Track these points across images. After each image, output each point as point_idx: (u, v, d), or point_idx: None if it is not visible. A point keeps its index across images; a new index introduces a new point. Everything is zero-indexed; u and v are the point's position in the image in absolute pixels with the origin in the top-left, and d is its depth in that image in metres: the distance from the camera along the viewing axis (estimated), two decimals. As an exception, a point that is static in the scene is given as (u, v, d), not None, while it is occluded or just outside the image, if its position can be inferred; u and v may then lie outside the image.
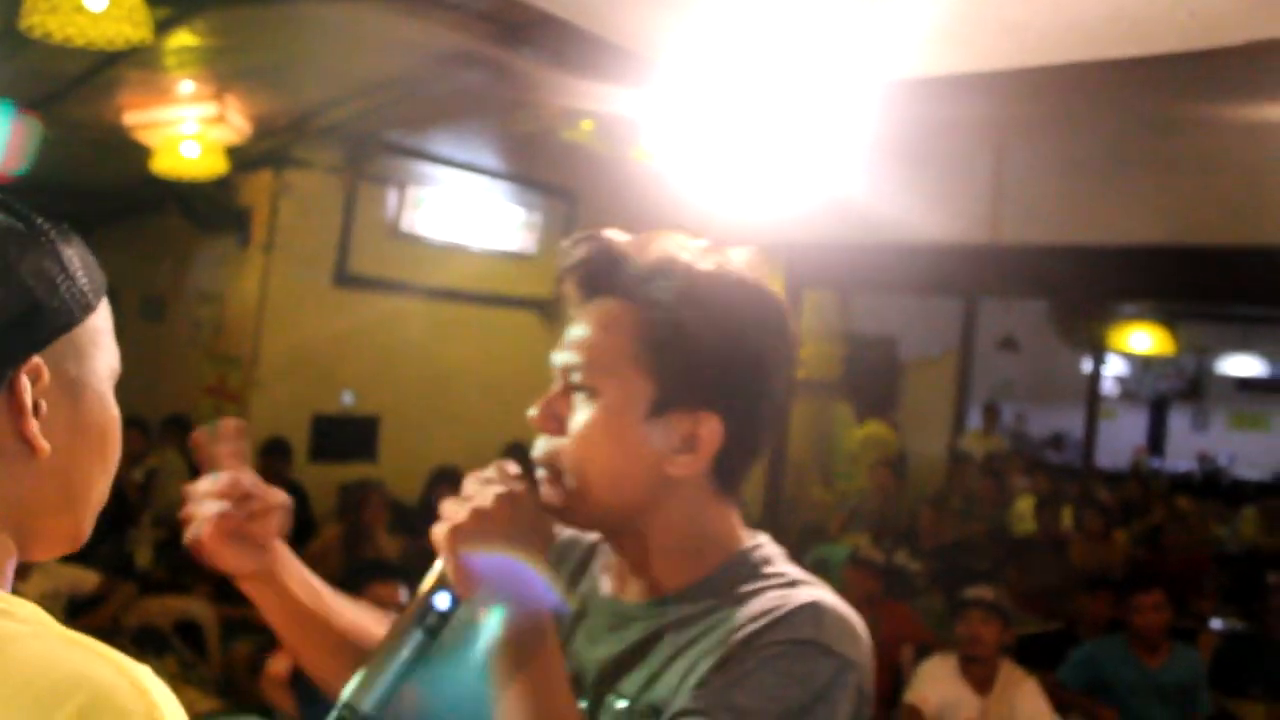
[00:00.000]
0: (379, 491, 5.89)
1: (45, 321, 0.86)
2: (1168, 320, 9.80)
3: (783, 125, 4.58)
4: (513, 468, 1.18)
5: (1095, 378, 10.75)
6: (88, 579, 4.96)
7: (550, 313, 7.79)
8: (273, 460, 6.26)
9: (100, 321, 0.93)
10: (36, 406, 0.85)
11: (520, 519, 1.13)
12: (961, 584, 4.31)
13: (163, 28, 4.34)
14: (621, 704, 1.16)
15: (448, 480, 6.01)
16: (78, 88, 5.12)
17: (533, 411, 1.20)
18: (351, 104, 5.84)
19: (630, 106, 4.61)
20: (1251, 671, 4.91)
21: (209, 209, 6.61)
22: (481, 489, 1.14)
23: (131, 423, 5.82)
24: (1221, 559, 7.20)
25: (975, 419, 10.96)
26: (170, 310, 7.08)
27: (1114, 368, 13.57)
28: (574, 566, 1.33)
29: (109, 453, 0.94)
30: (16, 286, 0.84)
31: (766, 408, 1.18)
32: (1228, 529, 8.50)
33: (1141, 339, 9.34)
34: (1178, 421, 15.47)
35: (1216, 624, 5.85)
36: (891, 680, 4.58)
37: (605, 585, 1.26)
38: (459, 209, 7.12)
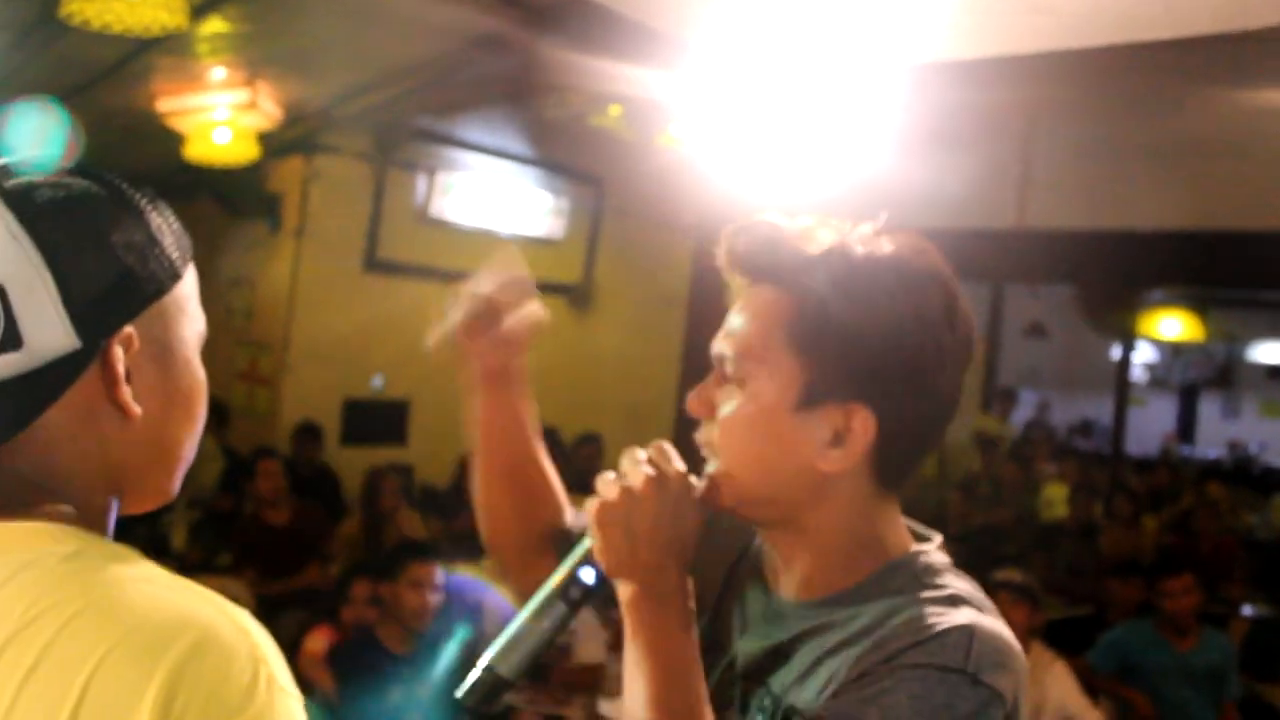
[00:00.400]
0: (394, 476, 5.95)
1: (136, 290, 0.89)
2: (1197, 306, 9.75)
3: (809, 109, 4.59)
4: (669, 449, 1.16)
5: (1124, 364, 10.69)
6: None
7: (577, 298, 7.82)
8: (304, 445, 6.32)
9: (187, 288, 0.95)
10: (128, 373, 0.88)
11: (667, 501, 1.12)
12: (990, 568, 4.32)
13: (197, 14, 4.39)
14: (768, 700, 1.13)
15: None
16: (112, 75, 5.17)
17: (690, 398, 1.17)
18: (381, 90, 5.88)
19: (659, 91, 4.62)
20: (1281, 657, 4.91)
21: (240, 195, 6.67)
22: (633, 468, 1.14)
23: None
24: (1252, 546, 7.17)
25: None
26: (201, 296, 7.14)
27: (1143, 355, 13.49)
28: (738, 554, 1.29)
29: (196, 414, 0.97)
30: (109, 257, 0.87)
31: (929, 401, 1.12)
32: (1258, 517, 8.46)
33: (1171, 325, 9.29)
34: (1208, 409, 15.37)
35: (1247, 610, 5.83)
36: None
37: (767, 577, 1.23)
38: (487, 194, 7.15)
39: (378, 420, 6.81)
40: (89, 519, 0.89)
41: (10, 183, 0.89)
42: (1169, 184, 6.36)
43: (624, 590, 1.13)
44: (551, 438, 6.36)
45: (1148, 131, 5.94)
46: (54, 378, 0.85)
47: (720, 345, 1.14)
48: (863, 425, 1.08)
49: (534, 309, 1.44)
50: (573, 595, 1.16)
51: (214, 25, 4.81)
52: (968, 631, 1.03)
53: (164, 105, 5.58)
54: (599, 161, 7.13)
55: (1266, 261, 6.52)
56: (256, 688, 0.77)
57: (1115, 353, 10.90)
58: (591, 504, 1.14)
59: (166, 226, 0.94)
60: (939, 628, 1.03)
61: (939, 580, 1.11)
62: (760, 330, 1.11)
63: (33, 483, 0.87)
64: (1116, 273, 7.12)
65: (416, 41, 5.26)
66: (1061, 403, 13.89)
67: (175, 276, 0.93)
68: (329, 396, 6.69)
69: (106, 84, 5.24)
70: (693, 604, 1.15)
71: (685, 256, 7.37)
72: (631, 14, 4.00)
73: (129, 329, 0.88)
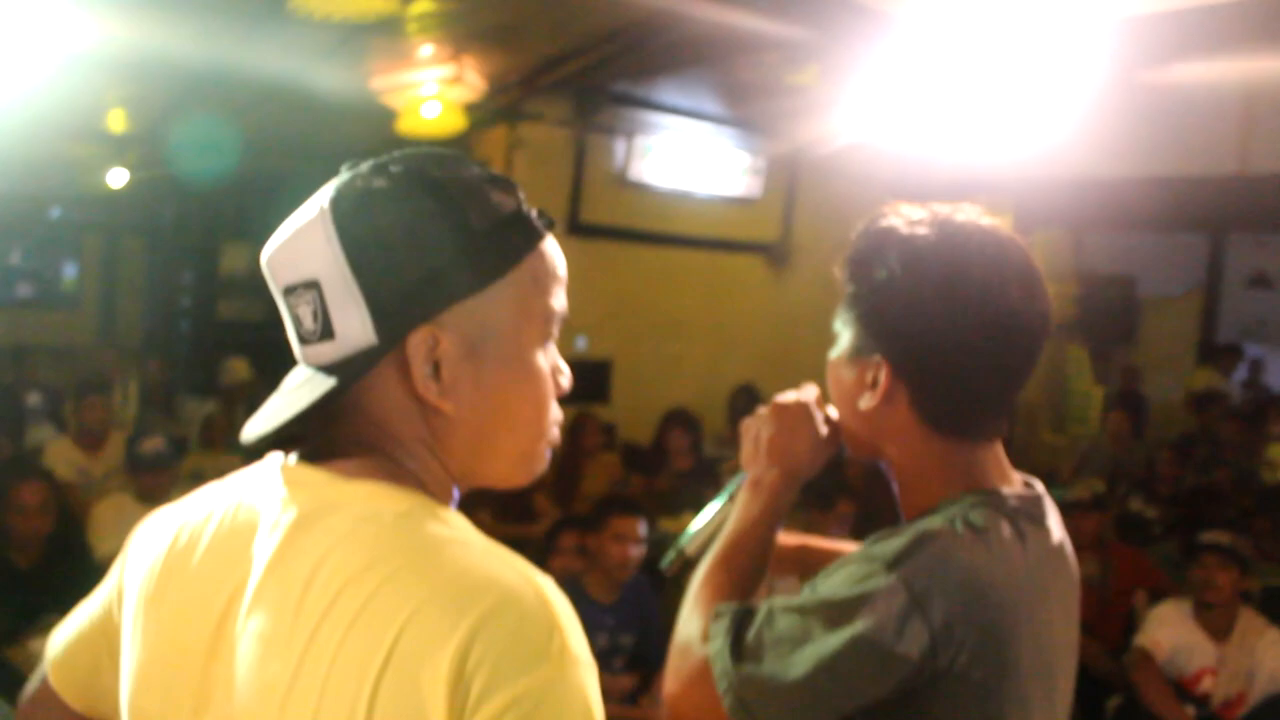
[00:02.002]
0: (595, 419, 6.17)
1: (440, 290, 0.93)
2: None
3: (1021, 61, 4.49)
4: (810, 388, 1.49)
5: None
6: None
7: (776, 256, 7.85)
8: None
9: (521, 279, 0.97)
10: (438, 366, 0.94)
11: (784, 422, 1.45)
12: (1201, 531, 4.18)
13: (404, -4, 4.60)
14: None
15: (679, 422, 6.19)
16: (332, 58, 5.46)
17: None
18: (579, 58, 6.03)
19: (856, 53, 4.61)
20: None
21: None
22: (784, 396, 1.47)
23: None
24: None
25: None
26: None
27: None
28: None
29: (515, 411, 0.99)
30: (413, 257, 0.92)
31: (966, 356, 1.26)
32: None
33: None
34: None
35: None
36: (1123, 625, 4.50)
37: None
38: (685, 157, 7.24)
39: (581, 380, 6.98)
40: (426, 483, 0.97)
41: (340, 183, 0.96)
42: None
43: (757, 471, 1.45)
44: (749, 393, 6.45)
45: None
46: (360, 366, 0.93)
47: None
48: (883, 374, 1.30)
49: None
50: (733, 492, 1.51)
51: (421, 5, 5.03)
52: (917, 537, 1.21)
53: (378, 84, 5.85)
54: (798, 119, 7.11)
55: None
56: (549, 651, 0.84)
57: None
58: (745, 420, 1.49)
59: (494, 217, 0.95)
60: (896, 535, 1.24)
61: (969, 516, 1.24)
62: (841, 305, 1.36)
63: (377, 448, 0.96)
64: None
65: (612, 9, 5.37)
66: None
67: (493, 274, 0.95)
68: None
69: (327, 67, 5.54)
70: (784, 507, 1.43)
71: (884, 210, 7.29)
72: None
73: (428, 328, 0.93)
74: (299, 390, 0.96)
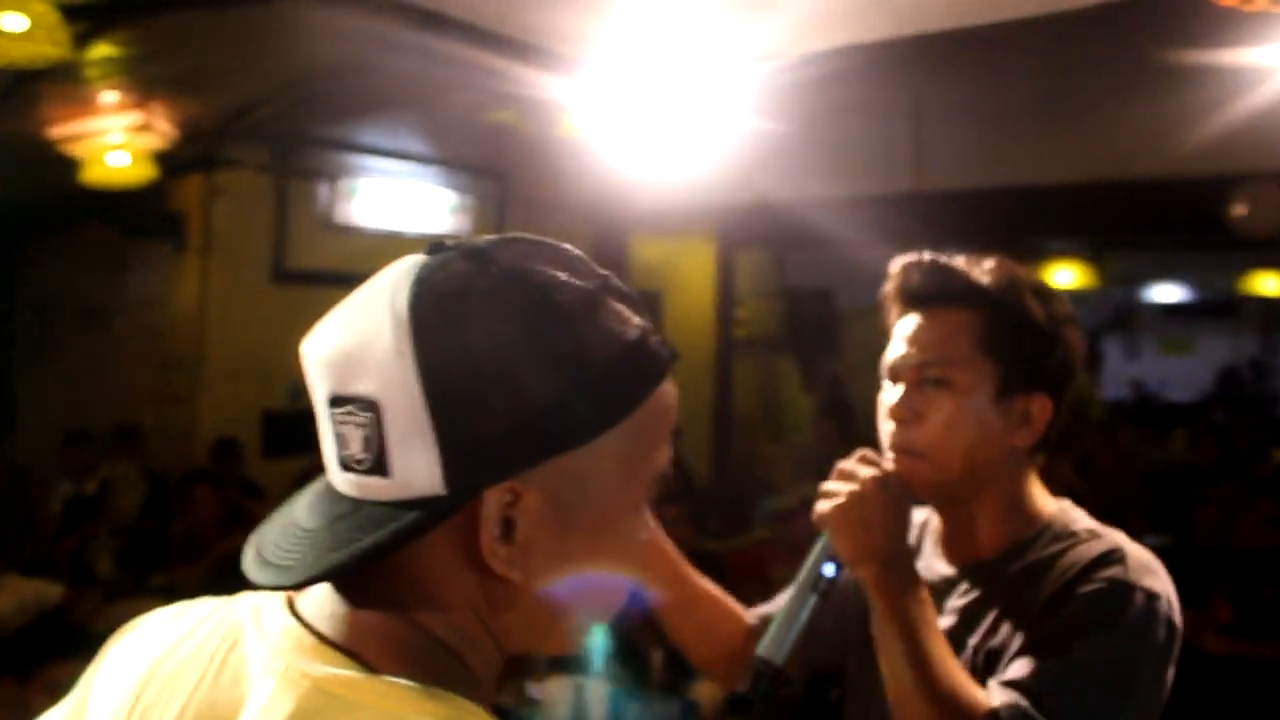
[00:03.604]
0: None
1: (538, 440, 0.72)
2: (1092, 254, 10.06)
3: (704, 96, 4.70)
4: (874, 454, 1.41)
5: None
6: (53, 591, 5.02)
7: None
8: (224, 460, 6.30)
9: (633, 431, 0.75)
10: (511, 527, 0.73)
11: (891, 495, 1.36)
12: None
13: (81, 41, 4.37)
14: (962, 658, 1.35)
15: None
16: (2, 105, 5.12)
17: (892, 406, 1.42)
18: (276, 101, 5.88)
19: (554, 90, 4.71)
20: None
21: (141, 216, 6.61)
22: (857, 472, 1.38)
23: (79, 436, 5.76)
24: (1154, 479, 7.43)
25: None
26: (110, 320, 7.07)
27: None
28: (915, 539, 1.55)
29: (596, 589, 0.79)
30: (507, 395, 0.71)
31: (1072, 382, 1.43)
32: (1160, 451, 8.77)
33: (1065, 275, 9.59)
34: (1111, 351, 15.85)
35: (1151, 541, 6.03)
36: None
37: (932, 555, 1.50)
38: (391, 197, 7.18)
39: (298, 431, 6.81)
40: (470, 663, 0.76)
41: (423, 274, 0.74)
42: (1057, 139, 6.61)
43: (867, 576, 1.34)
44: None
45: (1034, 91, 6.15)
46: (418, 516, 0.71)
47: (916, 356, 1.41)
48: (1041, 408, 1.39)
49: None
50: (820, 587, 1.36)
51: (100, 50, 4.79)
52: (1116, 551, 1.32)
53: (58, 131, 5.52)
54: (500, 156, 7.18)
55: (1155, 207, 6.80)
56: None
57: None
58: (825, 507, 1.38)
59: (615, 346, 0.74)
60: (1095, 555, 1.32)
61: (1083, 526, 1.39)
62: (958, 342, 1.39)
63: (410, 615, 0.75)
64: (1011, 228, 7.36)
65: (310, 50, 5.28)
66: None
67: (605, 423, 0.74)
68: (247, 411, 6.68)
69: (-3, 115, 5.19)
70: (920, 581, 1.37)
71: (587, 242, 7.46)
72: (521, 36, 4.08)
73: (514, 484, 0.72)
74: (333, 529, 0.74)
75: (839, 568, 1.37)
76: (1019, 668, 1.26)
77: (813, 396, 10.13)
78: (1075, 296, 14.52)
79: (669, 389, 0.79)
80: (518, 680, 3.86)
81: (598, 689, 3.76)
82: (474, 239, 0.78)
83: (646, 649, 4.15)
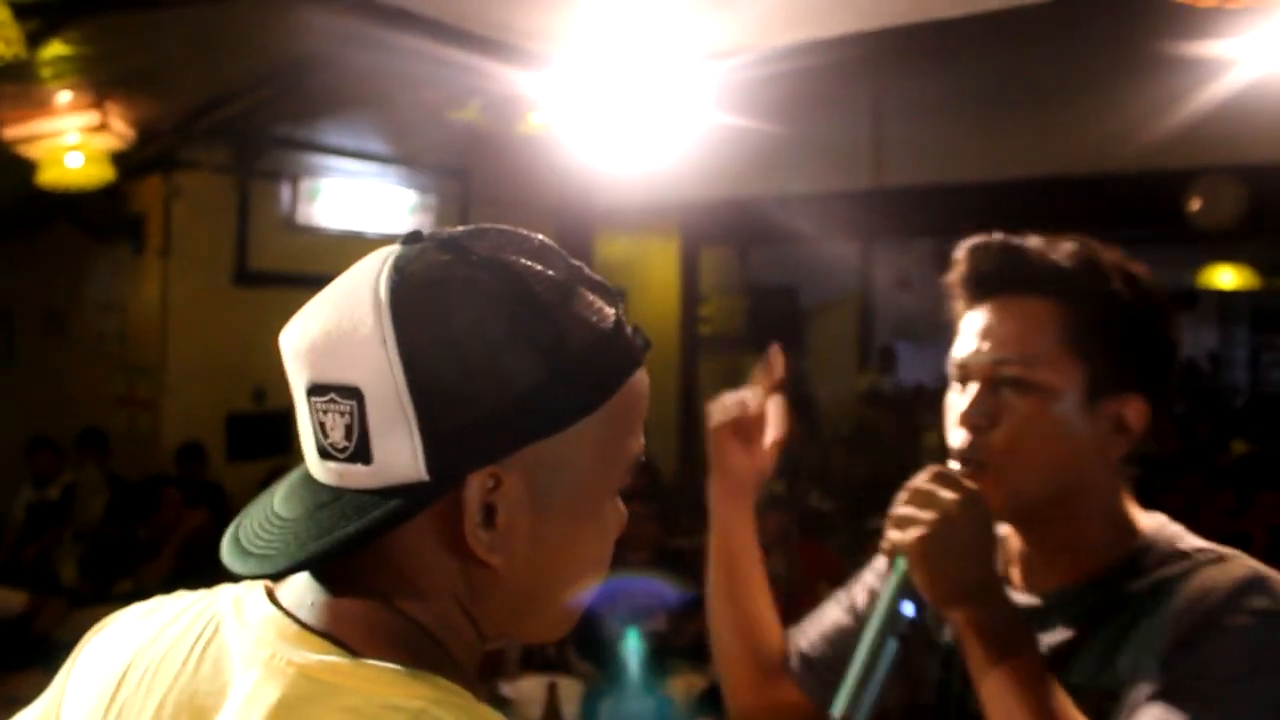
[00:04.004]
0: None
1: (519, 426, 0.73)
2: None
3: (667, 92, 4.70)
4: (940, 470, 1.19)
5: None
6: (16, 599, 4.96)
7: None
8: (189, 464, 6.25)
9: (608, 418, 0.77)
10: (492, 512, 0.74)
11: (978, 518, 1.15)
12: (870, 518, 4.50)
13: (34, 40, 4.31)
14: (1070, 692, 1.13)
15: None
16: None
17: (963, 411, 1.21)
18: (237, 101, 5.83)
19: (518, 86, 4.70)
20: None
21: (100, 218, 6.54)
22: (937, 493, 1.16)
23: (42, 441, 5.68)
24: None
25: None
26: (72, 324, 7.00)
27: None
28: None
29: (576, 572, 0.81)
30: (488, 381, 0.72)
31: (1173, 384, 1.23)
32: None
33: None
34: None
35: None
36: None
37: (1009, 582, 1.26)
38: (353, 198, 7.13)
39: (262, 433, 6.77)
40: (452, 649, 0.77)
41: (401, 263, 0.75)
42: (1012, 135, 6.66)
43: (959, 614, 1.14)
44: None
45: (990, 88, 6.20)
46: (400, 503, 0.72)
47: (990, 354, 1.20)
48: (1137, 413, 1.19)
49: (783, 430, 1.45)
50: (900, 630, 1.18)
51: (55, 50, 4.73)
52: (1259, 579, 1.11)
53: (12, 133, 5.45)
54: (462, 155, 7.16)
55: (1110, 201, 6.87)
56: None
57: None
58: (903, 538, 1.16)
59: (592, 334, 0.75)
60: (1232, 581, 1.10)
61: (1193, 544, 1.19)
62: (1040, 338, 1.18)
63: (393, 601, 0.76)
64: (968, 223, 7.42)
65: (269, 49, 5.24)
66: (936, 353, 14.29)
67: (583, 409, 0.75)
68: (212, 414, 6.63)
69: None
70: (1017, 614, 1.18)
71: (551, 236, 7.43)
72: (484, 32, 4.07)
73: (495, 469, 0.73)
74: (314, 517, 0.75)
75: (920, 607, 1.18)
76: (1153, 718, 1.06)
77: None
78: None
79: (642, 376, 0.80)
80: (490, 679, 3.85)
81: (570, 687, 3.76)
82: (448, 230, 0.79)
83: (621, 645, 4.16)
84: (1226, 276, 11.00)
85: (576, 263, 0.79)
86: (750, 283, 10.89)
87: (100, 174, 5.60)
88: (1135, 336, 1.19)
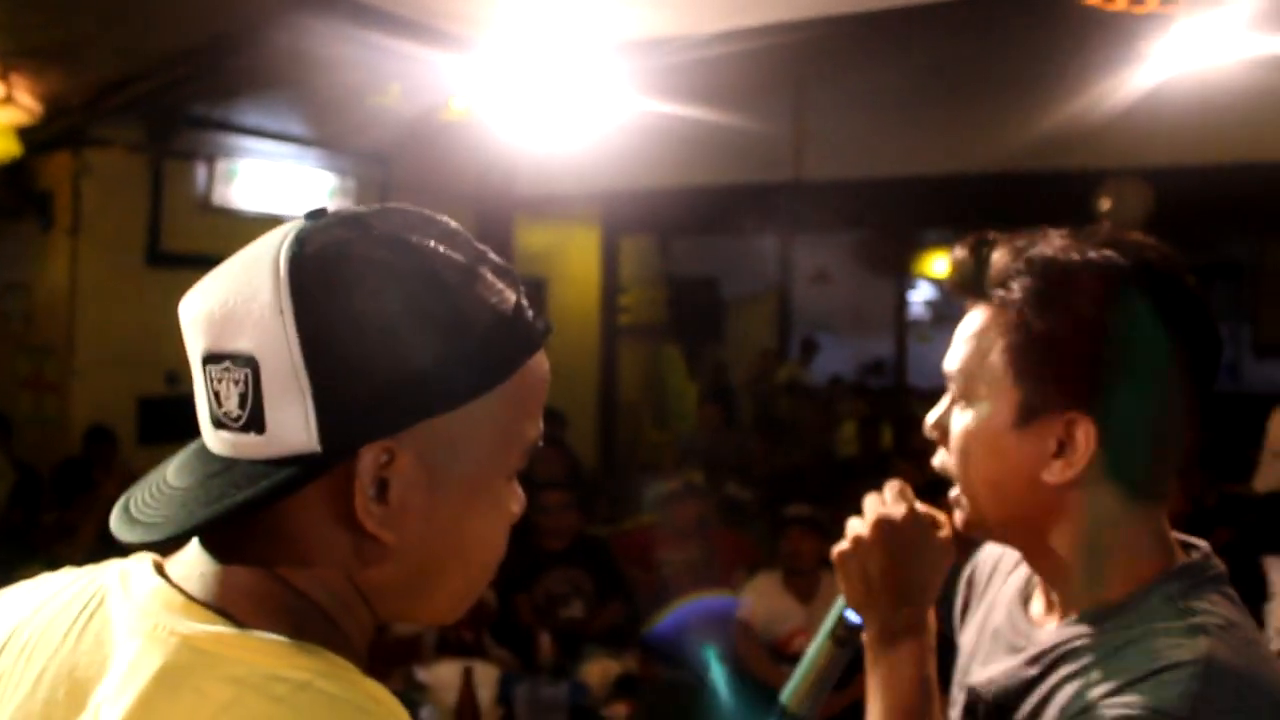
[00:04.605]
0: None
1: (413, 401, 0.73)
2: (967, 244, 10.35)
3: (589, 80, 4.70)
4: (906, 490, 1.22)
5: (902, 304, 11.29)
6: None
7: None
8: (99, 448, 6.12)
9: (506, 398, 0.78)
10: (384, 488, 0.74)
11: (896, 545, 1.18)
12: (787, 506, 4.56)
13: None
14: None
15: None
16: None
17: (927, 424, 1.16)
18: (151, 77, 5.71)
19: (439, 70, 4.66)
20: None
21: (5, 194, 6.37)
22: (868, 514, 1.21)
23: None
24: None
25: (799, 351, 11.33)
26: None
27: (926, 293, 14.19)
28: (986, 581, 1.30)
29: (472, 555, 0.81)
30: (384, 355, 0.72)
31: (1156, 399, 1.05)
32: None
33: (942, 264, 9.85)
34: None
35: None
36: (729, 602, 4.83)
37: (1024, 603, 1.19)
38: (271, 179, 7.03)
39: (175, 417, 6.64)
40: (341, 624, 0.77)
41: (302, 236, 0.74)
42: (935, 131, 6.77)
43: (868, 627, 1.21)
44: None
45: (914, 83, 6.29)
46: (291, 473, 0.72)
47: (946, 365, 1.14)
48: (1085, 434, 1.04)
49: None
50: (840, 635, 1.25)
51: (-40, 20, 4.60)
52: (1195, 669, 0.95)
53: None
54: (381, 139, 7.09)
55: (1030, 199, 7.01)
56: None
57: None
58: (836, 549, 1.22)
59: (492, 314, 0.76)
60: (1162, 663, 0.96)
61: (1191, 604, 1.03)
62: (976, 349, 1.10)
63: (281, 573, 0.75)
64: (890, 218, 7.53)
65: (183, 27, 5.14)
66: (854, 344, 14.51)
67: (479, 388, 0.76)
68: (122, 397, 6.48)
69: None
70: (930, 640, 1.21)
71: (471, 228, 7.42)
72: (406, 13, 4.04)
73: (389, 444, 0.73)
74: (205, 485, 0.75)
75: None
76: None
77: (698, 383, 10.24)
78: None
79: (542, 360, 0.81)
80: (406, 664, 3.84)
81: (486, 672, 3.76)
82: (354, 208, 0.79)
83: (535, 631, 4.16)
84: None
85: (481, 247, 0.80)
86: (671, 273, 10.94)
87: (5, 149, 5.47)
88: (1076, 349, 1.04)
